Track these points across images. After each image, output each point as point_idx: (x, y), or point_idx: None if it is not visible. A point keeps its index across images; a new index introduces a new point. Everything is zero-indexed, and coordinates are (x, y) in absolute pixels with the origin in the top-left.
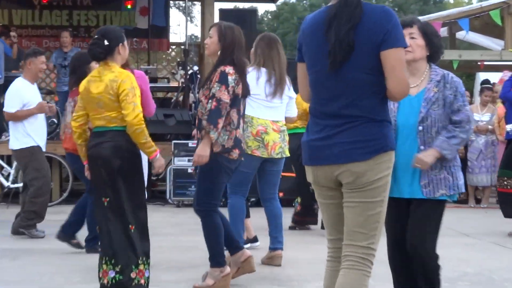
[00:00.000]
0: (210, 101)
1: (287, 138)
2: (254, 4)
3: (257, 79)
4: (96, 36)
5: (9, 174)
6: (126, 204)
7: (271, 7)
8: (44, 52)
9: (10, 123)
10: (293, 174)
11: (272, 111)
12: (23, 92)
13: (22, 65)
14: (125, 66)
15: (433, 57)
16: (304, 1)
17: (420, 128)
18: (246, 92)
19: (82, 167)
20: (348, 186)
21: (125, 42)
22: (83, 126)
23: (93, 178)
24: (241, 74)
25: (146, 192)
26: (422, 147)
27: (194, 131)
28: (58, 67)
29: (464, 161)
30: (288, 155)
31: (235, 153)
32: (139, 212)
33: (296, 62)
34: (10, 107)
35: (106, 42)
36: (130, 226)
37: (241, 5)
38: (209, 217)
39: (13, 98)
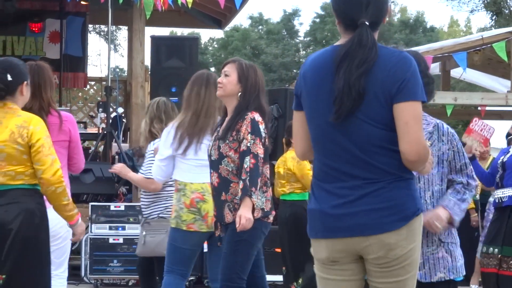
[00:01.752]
0: (246, 158)
1: None
2: (197, 30)
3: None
4: None
5: None
6: (27, 284)
7: (218, 33)
8: None
9: None
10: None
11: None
12: None
13: None
14: (47, 106)
15: None
16: (260, 27)
17: None
18: (269, 146)
19: None
20: (377, 261)
21: (29, 81)
22: None
23: None
24: (267, 123)
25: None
26: None
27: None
28: None
29: (475, 230)
30: None
31: (272, 216)
32: None
33: (293, 109)
34: None
35: (9, 78)
36: None
37: (179, 31)
38: None
39: None
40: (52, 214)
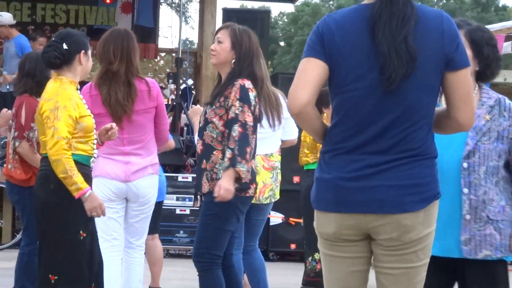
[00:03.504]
0: (234, 126)
1: (279, 177)
2: (267, 4)
3: None
4: (53, 39)
5: None
6: (51, 249)
7: (289, 7)
8: None
9: None
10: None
11: (262, 142)
12: None
13: None
14: (135, 71)
15: (483, 74)
16: (331, 2)
17: (465, 165)
18: (261, 115)
19: (24, 200)
20: (388, 243)
21: (89, 52)
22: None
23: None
24: (260, 91)
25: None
26: (465, 190)
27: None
28: None
29: None
30: (278, 198)
31: (252, 189)
32: (65, 261)
33: (307, 56)
34: None
35: (65, 46)
36: (50, 276)
37: (249, 4)
38: (210, 272)
39: None
40: (143, 181)
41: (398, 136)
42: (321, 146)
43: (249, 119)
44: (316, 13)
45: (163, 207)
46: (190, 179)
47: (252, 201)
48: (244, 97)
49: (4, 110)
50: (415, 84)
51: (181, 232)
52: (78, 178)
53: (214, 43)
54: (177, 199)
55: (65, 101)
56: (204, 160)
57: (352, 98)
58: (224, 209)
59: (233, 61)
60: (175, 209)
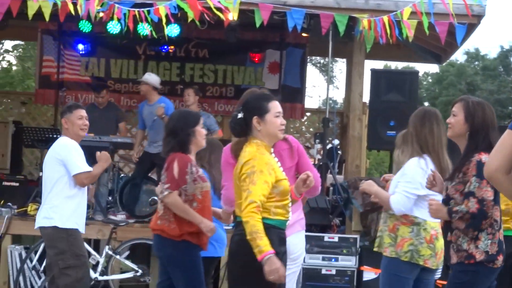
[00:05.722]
0: (470, 202)
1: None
2: (412, 64)
3: (425, 170)
4: (237, 107)
5: (97, 263)
6: None
7: (432, 68)
8: (82, 106)
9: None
10: None
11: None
12: (79, 149)
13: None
14: None
15: None
16: (476, 63)
17: None
18: None
19: (170, 256)
20: None
21: (268, 115)
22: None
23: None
24: None
25: None
26: None
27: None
28: None
29: None
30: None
31: (499, 261)
32: None
33: (509, 128)
34: (84, 166)
35: (239, 115)
36: None
37: (393, 65)
38: None
39: (78, 156)
40: (293, 238)
41: None
42: None
43: (487, 194)
44: (461, 73)
45: (308, 266)
46: (336, 239)
47: (435, 267)
48: (480, 173)
49: (98, 153)
50: None
51: None
52: (262, 241)
53: (450, 116)
54: (323, 259)
55: (262, 166)
56: (449, 233)
57: None
58: (472, 280)
59: (467, 133)
60: (321, 269)
